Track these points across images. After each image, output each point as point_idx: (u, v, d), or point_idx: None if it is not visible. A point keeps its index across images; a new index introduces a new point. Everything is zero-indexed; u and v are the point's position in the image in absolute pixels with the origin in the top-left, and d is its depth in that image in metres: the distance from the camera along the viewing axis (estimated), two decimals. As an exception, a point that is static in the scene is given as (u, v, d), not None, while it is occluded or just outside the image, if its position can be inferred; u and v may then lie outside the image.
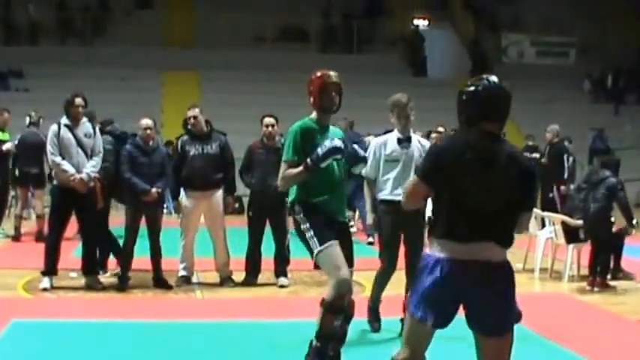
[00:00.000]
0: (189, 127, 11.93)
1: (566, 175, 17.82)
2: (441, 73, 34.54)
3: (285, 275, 11.99)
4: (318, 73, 7.48)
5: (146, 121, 11.64)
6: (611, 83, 34.74)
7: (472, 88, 5.29)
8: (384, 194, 8.99)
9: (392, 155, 9.03)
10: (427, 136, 14.37)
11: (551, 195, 17.82)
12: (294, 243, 10.22)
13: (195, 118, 11.75)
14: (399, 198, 5.87)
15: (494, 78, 5.26)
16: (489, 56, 35.17)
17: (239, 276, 11.98)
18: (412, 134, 9.21)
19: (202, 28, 33.99)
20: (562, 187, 17.66)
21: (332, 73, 7.49)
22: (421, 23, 36.40)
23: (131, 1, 35.25)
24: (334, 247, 6.98)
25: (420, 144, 9.14)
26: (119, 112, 22.58)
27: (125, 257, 11.55)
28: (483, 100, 5.23)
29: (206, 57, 31.95)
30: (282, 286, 11.83)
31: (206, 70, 31.48)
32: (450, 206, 5.14)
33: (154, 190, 11.32)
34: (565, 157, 17.86)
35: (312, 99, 7.45)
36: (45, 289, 11.05)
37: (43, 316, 9.71)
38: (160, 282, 11.60)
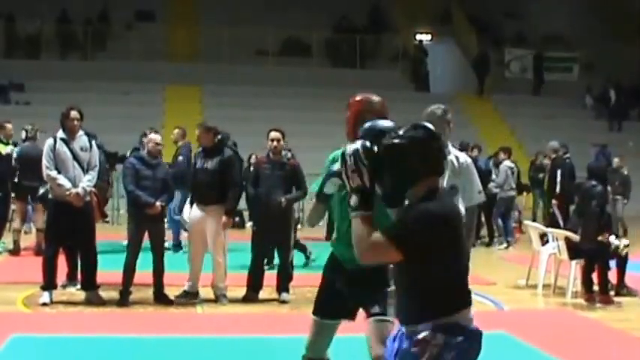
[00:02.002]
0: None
1: (558, 190, 17.67)
2: (444, 88, 34.50)
3: (287, 291, 11.91)
4: (358, 98, 6.07)
5: (156, 136, 11.68)
6: (614, 99, 34.64)
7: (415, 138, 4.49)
8: None
9: None
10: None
11: (551, 210, 17.75)
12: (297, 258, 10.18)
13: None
14: None
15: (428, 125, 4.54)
16: (492, 71, 35.18)
17: (240, 291, 11.89)
18: (450, 147, 7.86)
19: (204, 42, 34.04)
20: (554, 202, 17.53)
21: (375, 98, 6.08)
22: (424, 38, 36.37)
23: (132, 15, 35.22)
24: (312, 322, 6.10)
25: (456, 160, 7.72)
26: (120, 126, 22.63)
27: (127, 272, 11.43)
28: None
29: (208, 71, 31.95)
30: (283, 302, 11.75)
31: (208, 84, 31.46)
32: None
33: (157, 203, 11.26)
34: (559, 172, 17.77)
35: (347, 126, 5.98)
36: (45, 304, 10.97)
37: (42, 331, 9.65)
38: (160, 297, 11.52)
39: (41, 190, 12.94)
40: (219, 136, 11.83)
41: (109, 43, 34.30)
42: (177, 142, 16.36)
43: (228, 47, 32.49)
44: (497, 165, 20.00)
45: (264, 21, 33.42)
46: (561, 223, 15.51)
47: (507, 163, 19.74)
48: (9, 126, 16.04)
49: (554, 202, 17.44)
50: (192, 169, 12.01)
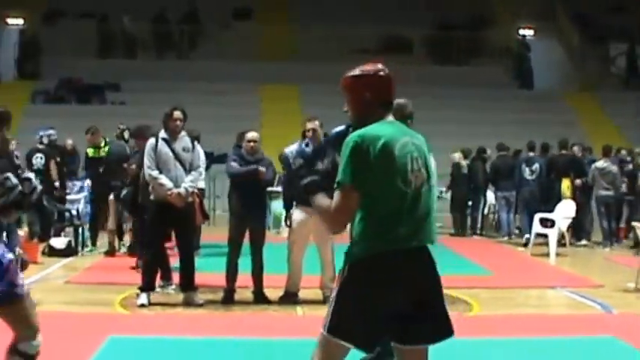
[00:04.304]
0: (305, 139, 11.67)
1: None
2: (547, 84, 33.86)
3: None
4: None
5: (252, 134, 11.62)
6: None
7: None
8: None
9: None
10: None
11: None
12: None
13: (314, 131, 11.45)
14: None
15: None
16: (597, 67, 34.45)
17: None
18: None
19: (302, 40, 33.90)
20: None
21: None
22: (527, 33, 35.71)
23: (229, 13, 35.25)
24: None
25: None
26: (216, 127, 22.58)
27: (230, 272, 11.40)
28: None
29: (306, 70, 31.79)
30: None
31: (305, 83, 31.28)
32: None
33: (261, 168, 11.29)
34: None
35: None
36: (142, 305, 10.91)
37: (140, 332, 9.57)
38: (260, 297, 11.42)
39: (123, 192, 12.99)
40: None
41: (204, 42, 34.37)
42: None
43: (327, 45, 32.32)
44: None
45: (362, 18, 33.16)
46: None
47: (599, 163, 19.38)
48: (89, 136, 16.20)
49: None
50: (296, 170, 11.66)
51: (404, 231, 4.94)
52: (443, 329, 5.10)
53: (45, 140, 17.04)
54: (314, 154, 11.01)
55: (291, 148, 11.66)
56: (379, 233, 4.95)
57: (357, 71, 5.48)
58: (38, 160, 16.67)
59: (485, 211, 22.20)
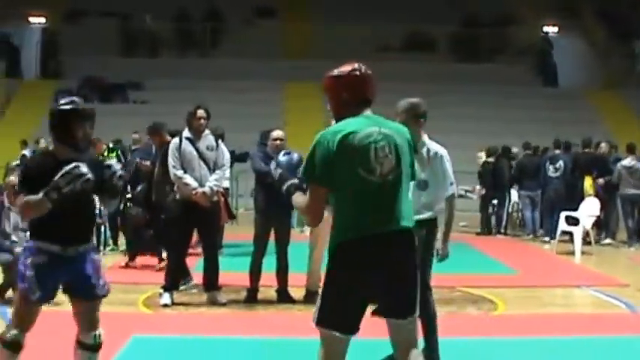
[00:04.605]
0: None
1: None
2: (571, 82, 33.64)
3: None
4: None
5: (278, 133, 11.56)
6: None
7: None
8: None
9: None
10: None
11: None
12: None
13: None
14: None
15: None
16: (621, 64, 34.22)
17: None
18: (424, 139, 7.87)
19: (326, 38, 33.79)
20: None
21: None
22: (551, 30, 35.48)
23: (252, 11, 35.17)
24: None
25: (426, 152, 7.75)
26: (239, 125, 22.53)
27: (253, 271, 11.35)
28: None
29: (330, 68, 31.63)
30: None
31: (329, 81, 31.18)
32: None
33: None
34: None
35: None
36: (166, 305, 10.87)
37: (163, 331, 9.54)
38: (284, 296, 11.37)
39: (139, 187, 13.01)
40: None
41: (226, 40, 34.33)
42: None
43: (350, 43, 32.21)
44: None
45: (385, 16, 33.05)
46: None
47: (625, 161, 19.23)
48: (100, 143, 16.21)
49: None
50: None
51: (371, 217, 5.21)
52: (405, 307, 5.33)
53: None
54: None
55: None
56: (347, 222, 5.26)
57: (334, 72, 5.70)
58: None
59: (510, 209, 22.07)
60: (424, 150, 7.61)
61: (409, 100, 7.85)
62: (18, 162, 23.68)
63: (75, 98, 6.34)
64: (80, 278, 6.17)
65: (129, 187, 14.60)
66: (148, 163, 14.04)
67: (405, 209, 5.31)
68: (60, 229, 6.04)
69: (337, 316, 5.25)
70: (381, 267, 5.19)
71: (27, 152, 23.68)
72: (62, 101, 6.26)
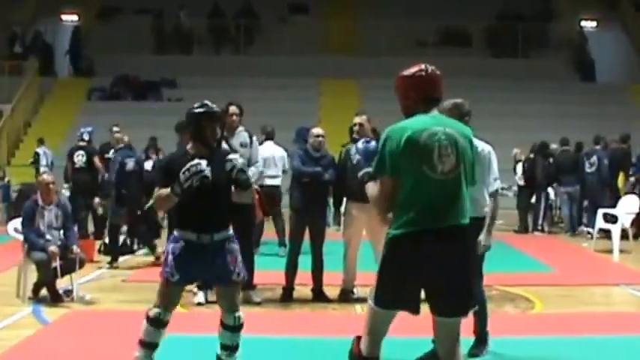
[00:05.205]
0: (353, 135, 11.46)
1: None
2: (610, 77, 33.29)
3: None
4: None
5: (318, 130, 11.72)
6: None
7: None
8: None
9: None
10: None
11: None
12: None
13: (360, 125, 11.24)
14: None
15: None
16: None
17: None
18: None
19: (360, 34, 33.70)
20: None
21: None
22: (589, 25, 35.09)
23: (285, 8, 35.12)
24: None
25: None
26: (274, 122, 22.45)
27: (289, 270, 11.33)
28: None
29: (364, 64, 31.58)
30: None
31: (364, 77, 31.07)
32: None
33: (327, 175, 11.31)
34: None
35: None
36: (200, 304, 10.85)
37: (197, 330, 9.48)
38: (320, 295, 11.33)
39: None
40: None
41: (260, 37, 34.25)
42: None
43: (386, 39, 32.09)
44: None
45: (421, 11, 32.89)
46: None
47: None
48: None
49: None
50: (343, 166, 11.25)
51: (432, 213, 5.52)
52: (459, 306, 5.64)
53: (86, 137, 17.02)
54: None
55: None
56: (408, 216, 5.52)
57: (404, 72, 5.92)
58: (80, 157, 16.68)
59: (548, 206, 21.87)
60: None
61: (453, 100, 8.08)
62: (32, 160, 23.88)
63: (206, 102, 7.23)
64: (216, 264, 6.98)
65: (114, 188, 14.75)
66: (132, 163, 14.31)
67: (464, 207, 5.61)
68: (195, 219, 6.91)
69: (395, 297, 5.61)
70: (436, 261, 5.47)
71: (40, 150, 23.75)
72: (195, 105, 7.17)
